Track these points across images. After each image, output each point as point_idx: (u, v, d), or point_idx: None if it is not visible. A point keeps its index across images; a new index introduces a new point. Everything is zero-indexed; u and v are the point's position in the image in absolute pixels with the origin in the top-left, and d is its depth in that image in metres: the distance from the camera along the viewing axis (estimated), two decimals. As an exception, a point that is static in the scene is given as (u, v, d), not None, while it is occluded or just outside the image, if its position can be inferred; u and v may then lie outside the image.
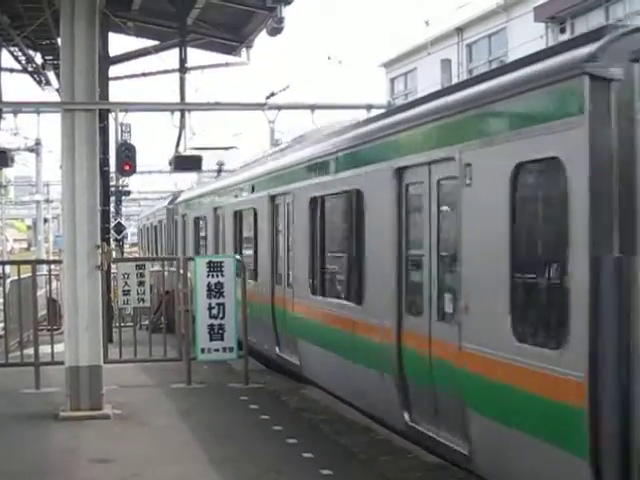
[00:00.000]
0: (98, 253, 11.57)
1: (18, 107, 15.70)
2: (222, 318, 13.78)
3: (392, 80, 44.46)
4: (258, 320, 15.68)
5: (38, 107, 15.88)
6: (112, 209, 30.11)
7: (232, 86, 65.19)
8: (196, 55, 19.98)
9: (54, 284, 20.66)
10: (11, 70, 22.17)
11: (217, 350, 13.82)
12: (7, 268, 19.24)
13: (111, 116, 19.44)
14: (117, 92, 23.95)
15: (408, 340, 9.64)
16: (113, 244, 28.76)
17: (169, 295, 18.89)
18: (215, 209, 20.30)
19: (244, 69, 21.66)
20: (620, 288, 6.17)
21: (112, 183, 30.09)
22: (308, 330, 13.45)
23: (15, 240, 73.34)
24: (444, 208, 8.97)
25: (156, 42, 20.07)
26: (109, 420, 11.38)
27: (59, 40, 13.11)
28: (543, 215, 7.47)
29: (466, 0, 35.84)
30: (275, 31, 13.26)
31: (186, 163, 17.23)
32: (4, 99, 19.90)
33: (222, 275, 13.80)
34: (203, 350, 13.80)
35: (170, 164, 17.69)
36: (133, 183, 43.76)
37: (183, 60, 18.38)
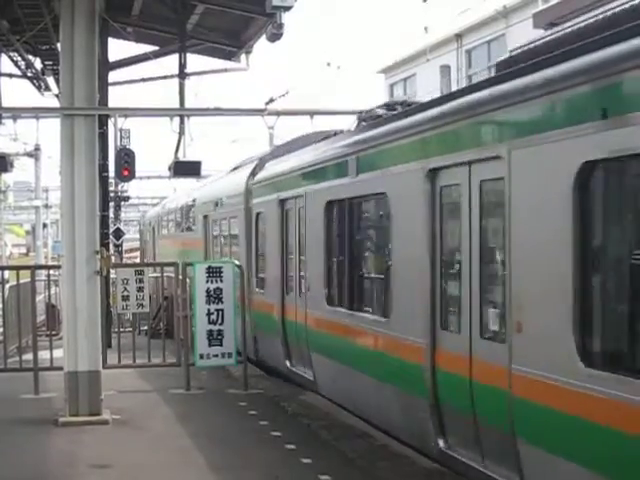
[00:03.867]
0: (97, 258, 11.58)
1: (17, 112, 15.78)
2: (221, 324, 13.79)
3: (391, 86, 44.52)
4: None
5: (37, 112, 15.90)
6: (111, 214, 30.14)
7: (231, 92, 65.25)
8: (195, 60, 19.99)
9: (53, 289, 20.70)
10: (10, 75, 22.17)
11: (216, 356, 13.83)
12: (6, 273, 19.25)
13: (110, 121, 19.47)
14: (116, 98, 23.97)
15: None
16: (112, 249, 28.75)
17: (168, 300, 18.90)
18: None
19: (243, 75, 21.66)
20: None
21: (111, 188, 30.13)
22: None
23: (14, 245, 73.32)
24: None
25: (155, 47, 20.07)
26: (108, 425, 11.39)
27: (59, 45, 13.12)
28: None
29: (466, 6, 35.95)
30: (274, 37, 13.25)
31: (185, 168, 17.23)
32: (4, 104, 19.94)
33: (221, 281, 13.81)
34: (202, 356, 13.82)
35: (169, 169, 17.69)
36: (132, 189, 43.87)
37: (182, 66, 18.40)
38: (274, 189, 15.18)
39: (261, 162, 17.41)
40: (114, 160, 20.10)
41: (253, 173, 17.23)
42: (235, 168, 20.90)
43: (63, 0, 11.44)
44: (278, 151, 17.42)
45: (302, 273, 13.56)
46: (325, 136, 14.63)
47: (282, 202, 14.59)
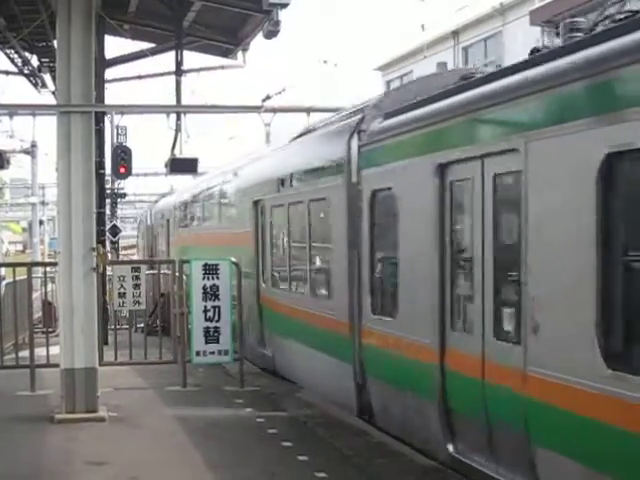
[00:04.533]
0: (94, 255, 11.57)
1: (14, 109, 15.77)
2: (217, 321, 13.80)
3: (388, 83, 44.52)
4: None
5: (34, 109, 15.89)
6: (108, 212, 30.10)
7: (228, 89, 65.25)
8: (192, 58, 19.95)
9: (49, 286, 20.69)
10: (7, 72, 22.16)
11: (212, 353, 13.84)
12: (2, 270, 19.24)
13: (107, 119, 19.47)
14: (113, 95, 23.95)
15: None
16: (109, 246, 28.74)
17: (164, 297, 18.92)
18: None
19: (240, 72, 21.66)
20: None
21: (108, 186, 30.09)
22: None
23: (10, 242, 73.30)
24: None
25: (152, 45, 20.05)
26: (104, 423, 11.37)
27: (55, 43, 13.09)
28: None
29: (463, 3, 35.99)
30: (271, 34, 13.22)
31: (182, 165, 17.20)
32: (0, 101, 19.91)
33: (217, 278, 13.81)
34: (198, 353, 13.82)
35: (166, 166, 17.67)
36: (128, 186, 43.81)
37: (179, 63, 18.35)
38: (421, 148, 9.49)
39: (370, 114, 11.36)
40: (111, 157, 20.15)
41: (359, 130, 11.33)
42: (305, 133, 15.12)
43: (59, -3, 11.43)
44: (392, 98, 11.56)
45: (505, 298, 7.89)
46: (466, 73, 10.40)
47: (444, 168, 8.92)
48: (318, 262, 13.22)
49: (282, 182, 14.32)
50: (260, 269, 15.91)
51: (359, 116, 11.67)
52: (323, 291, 12.80)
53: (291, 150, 15.11)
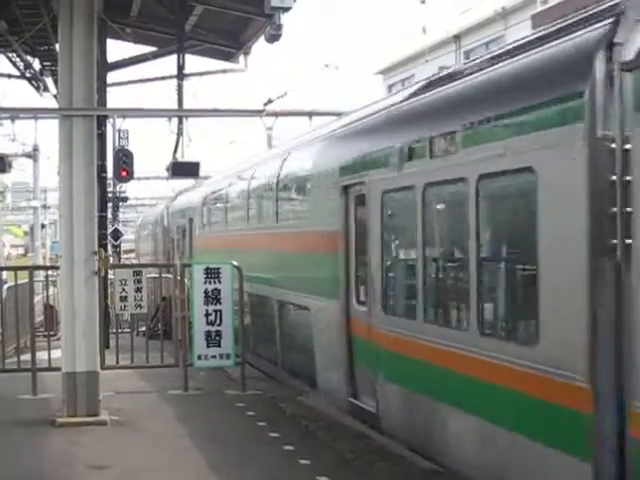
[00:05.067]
0: (95, 259, 11.58)
1: (16, 113, 15.80)
2: (219, 325, 13.79)
3: (390, 87, 44.55)
4: None
5: (36, 113, 15.93)
6: (109, 215, 30.15)
7: (230, 92, 65.34)
8: (194, 61, 19.99)
9: (51, 290, 20.69)
10: (9, 76, 22.21)
11: (214, 357, 13.84)
12: (4, 274, 19.25)
13: (109, 122, 19.51)
14: (115, 98, 23.94)
15: None
16: (110, 250, 28.77)
17: (166, 301, 18.92)
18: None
19: (242, 76, 21.70)
20: None
21: (109, 189, 30.14)
22: None
23: (12, 246, 73.30)
24: None
25: (154, 48, 20.11)
26: (106, 426, 11.36)
27: (57, 46, 13.13)
28: None
29: (465, 7, 36.02)
30: (273, 38, 13.25)
31: (183, 169, 17.23)
32: (2, 105, 19.95)
33: (219, 282, 13.81)
34: (200, 357, 13.82)
35: (167, 170, 17.69)
36: (130, 189, 43.89)
37: (181, 66, 18.40)
38: None
39: (631, 18, 6.46)
40: (112, 161, 20.19)
41: (610, 44, 6.45)
42: (448, 77, 9.73)
43: (62, 1, 11.45)
44: None
45: None
46: None
47: None
48: (501, 279, 8.22)
49: (410, 152, 9.51)
50: (353, 285, 11.50)
51: (606, 22, 6.68)
52: (515, 328, 7.85)
53: (425, 101, 9.84)
